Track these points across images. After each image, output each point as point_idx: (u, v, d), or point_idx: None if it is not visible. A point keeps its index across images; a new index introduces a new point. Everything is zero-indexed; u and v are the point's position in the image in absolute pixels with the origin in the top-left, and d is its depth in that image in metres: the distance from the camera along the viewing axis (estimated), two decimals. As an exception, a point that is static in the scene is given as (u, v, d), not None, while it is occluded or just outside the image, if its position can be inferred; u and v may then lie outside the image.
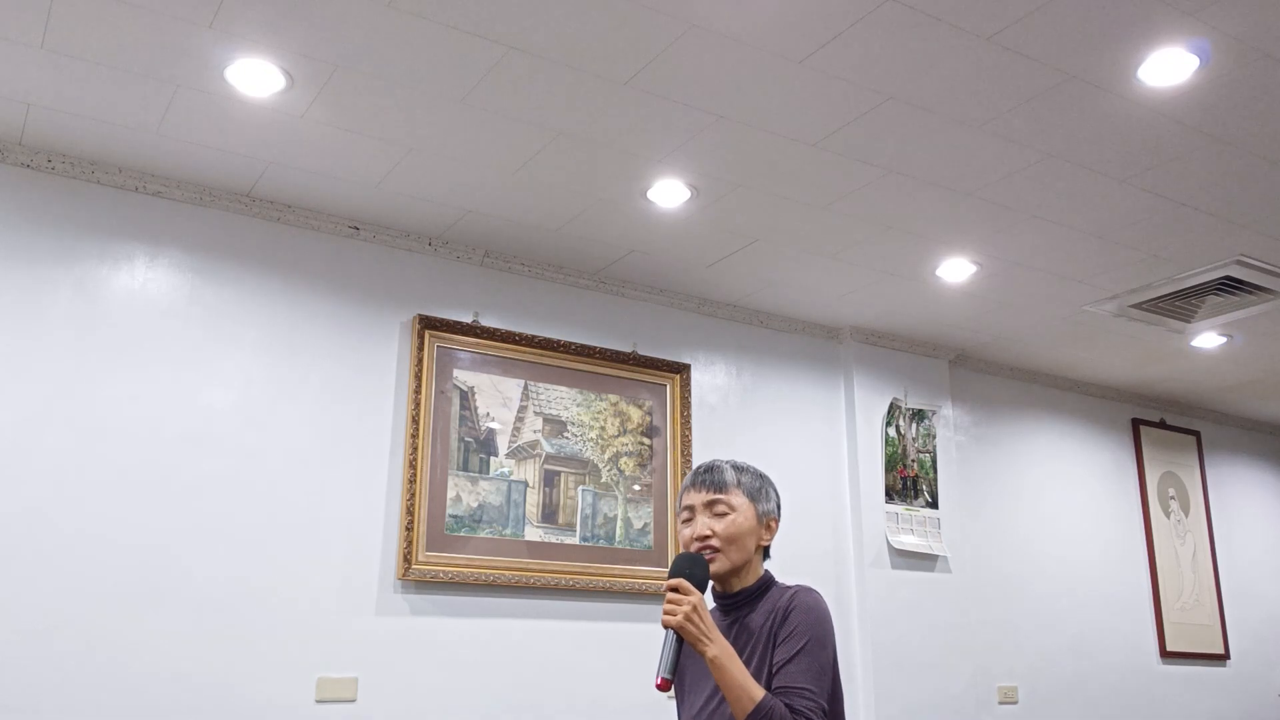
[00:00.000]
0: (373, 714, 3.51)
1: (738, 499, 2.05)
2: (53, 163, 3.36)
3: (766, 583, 2.07)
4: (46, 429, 3.21)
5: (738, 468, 2.10)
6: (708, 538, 2.02)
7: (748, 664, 1.94)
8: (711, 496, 2.05)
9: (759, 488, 2.09)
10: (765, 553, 2.11)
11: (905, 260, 4.20)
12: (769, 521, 2.09)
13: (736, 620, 2.04)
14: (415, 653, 3.63)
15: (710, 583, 2.05)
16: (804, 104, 3.09)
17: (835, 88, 3.00)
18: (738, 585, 2.05)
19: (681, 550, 2.05)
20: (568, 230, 3.93)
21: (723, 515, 2.04)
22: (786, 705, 1.81)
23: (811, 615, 1.93)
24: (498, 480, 3.93)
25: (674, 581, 1.91)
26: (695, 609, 1.85)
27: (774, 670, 1.90)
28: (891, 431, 4.92)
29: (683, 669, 2.11)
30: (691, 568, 1.95)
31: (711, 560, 2.01)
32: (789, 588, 2.02)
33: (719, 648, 1.84)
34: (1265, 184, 3.57)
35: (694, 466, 2.14)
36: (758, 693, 1.80)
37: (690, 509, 2.08)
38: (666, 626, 1.87)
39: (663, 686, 1.84)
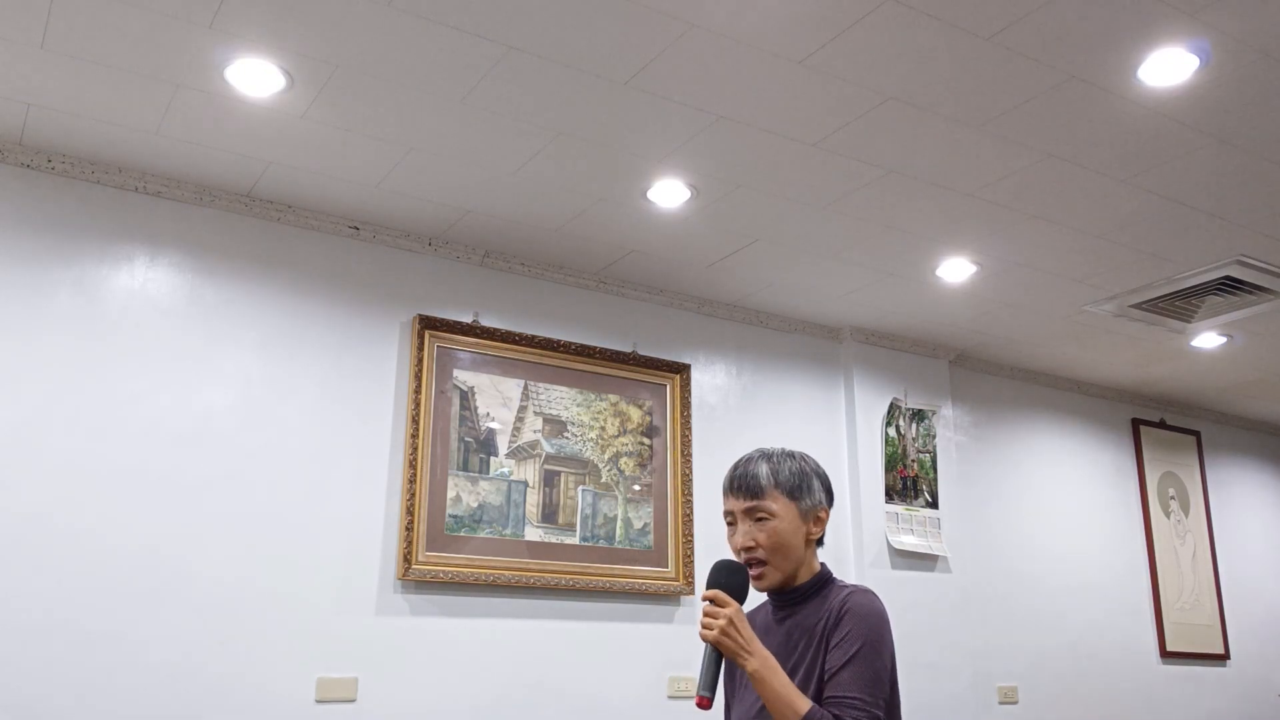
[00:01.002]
0: (373, 714, 3.51)
1: (776, 502, 1.94)
2: (53, 163, 3.36)
3: (823, 579, 1.97)
4: (46, 429, 3.21)
5: (774, 464, 1.97)
6: (752, 549, 1.93)
7: (799, 664, 1.87)
8: (749, 503, 1.95)
9: (798, 483, 1.96)
10: (820, 540, 2.01)
11: (905, 260, 4.20)
12: (816, 514, 1.97)
13: (790, 616, 1.96)
14: (415, 653, 3.63)
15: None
16: (804, 104, 3.09)
17: (835, 88, 3.00)
18: (792, 583, 1.96)
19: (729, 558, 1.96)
20: (568, 230, 3.93)
21: (763, 522, 1.93)
22: (835, 716, 1.74)
23: (867, 620, 1.84)
24: (498, 480, 3.93)
25: (711, 593, 1.83)
26: (732, 622, 1.78)
27: (826, 679, 1.81)
28: (891, 431, 4.92)
29: (733, 665, 2.02)
30: (728, 576, 1.86)
31: (759, 576, 1.93)
32: (845, 587, 1.93)
33: (759, 660, 1.76)
34: (1265, 184, 3.57)
35: (734, 464, 2.02)
36: (803, 705, 1.73)
37: (732, 514, 1.99)
38: (705, 640, 1.80)
39: (702, 704, 1.75)
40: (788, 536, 1.93)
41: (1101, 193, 3.63)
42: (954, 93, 3.03)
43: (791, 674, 1.86)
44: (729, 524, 2.00)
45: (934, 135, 3.26)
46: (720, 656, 1.80)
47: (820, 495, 1.99)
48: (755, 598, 1.89)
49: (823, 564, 2.01)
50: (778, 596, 1.99)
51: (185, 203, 3.57)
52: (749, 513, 1.95)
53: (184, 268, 3.54)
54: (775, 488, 1.95)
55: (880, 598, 1.91)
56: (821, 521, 1.99)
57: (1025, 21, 2.70)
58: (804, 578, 1.96)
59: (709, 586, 1.85)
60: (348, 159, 3.40)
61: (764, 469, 1.96)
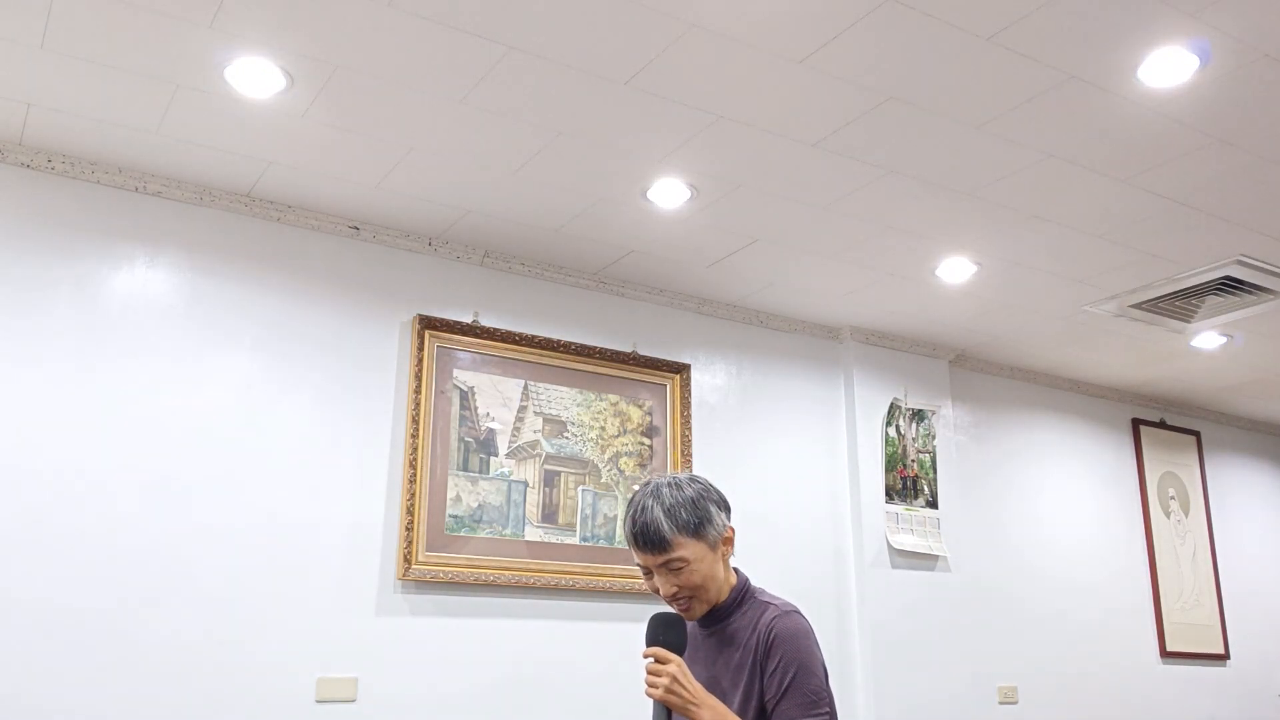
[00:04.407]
0: (373, 714, 3.51)
1: (685, 548, 1.95)
2: (53, 163, 3.36)
3: (741, 591, 2.03)
4: (46, 429, 3.21)
5: (669, 509, 1.95)
6: (676, 593, 1.97)
7: (736, 680, 1.93)
8: (661, 558, 1.95)
9: (698, 520, 1.96)
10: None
11: (905, 260, 4.20)
12: (724, 538, 2.01)
13: (716, 632, 2.02)
14: (415, 653, 3.63)
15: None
16: (804, 104, 3.09)
17: (835, 88, 3.00)
18: (715, 603, 2.03)
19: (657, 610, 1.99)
20: (568, 230, 3.93)
21: (679, 570, 1.96)
22: None
23: (794, 643, 1.91)
24: (498, 480, 3.93)
25: (651, 651, 1.87)
26: (677, 679, 1.83)
27: (770, 712, 1.89)
28: (891, 431, 4.92)
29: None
30: (665, 632, 1.90)
31: (688, 610, 1.99)
32: (766, 605, 1.98)
33: (710, 710, 1.82)
34: (1265, 184, 3.57)
35: (630, 514, 1.99)
36: None
37: (645, 566, 2.01)
38: (651, 698, 1.85)
39: None
40: (706, 573, 1.97)
41: (1101, 193, 3.63)
42: (954, 93, 3.03)
43: (730, 687, 1.93)
44: (645, 573, 2.01)
45: (934, 135, 3.26)
46: (669, 713, 1.85)
47: (721, 519, 2.01)
48: None
49: (737, 572, 2.05)
50: (701, 619, 2.04)
51: (185, 203, 3.57)
52: (664, 565, 1.96)
53: (184, 268, 3.54)
54: (679, 533, 1.94)
55: (801, 613, 1.97)
56: (730, 541, 2.03)
57: (1025, 21, 2.70)
58: (724, 596, 2.01)
59: (648, 643, 1.88)
60: (348, 159, 3.40)
61: (662, 520, 1.94)
